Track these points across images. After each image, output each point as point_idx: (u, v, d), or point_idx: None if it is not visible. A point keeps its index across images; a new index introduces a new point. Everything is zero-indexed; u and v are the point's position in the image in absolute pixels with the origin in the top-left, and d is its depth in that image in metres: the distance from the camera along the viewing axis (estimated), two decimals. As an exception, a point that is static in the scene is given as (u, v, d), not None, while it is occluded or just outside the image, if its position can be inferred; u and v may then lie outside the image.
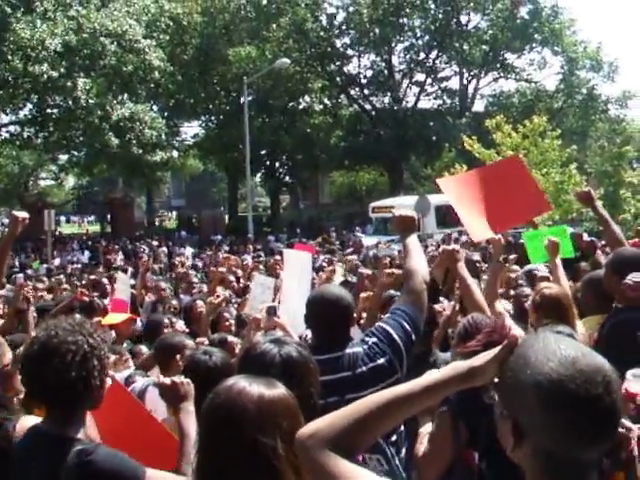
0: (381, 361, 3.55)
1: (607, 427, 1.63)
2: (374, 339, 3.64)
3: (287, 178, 53.25)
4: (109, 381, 2.91)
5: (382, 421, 1.91)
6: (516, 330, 1.94)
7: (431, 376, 1.93)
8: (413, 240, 4.08)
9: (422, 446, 3.56)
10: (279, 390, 2.22)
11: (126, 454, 2.67)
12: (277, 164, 52.26)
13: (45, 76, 29.04)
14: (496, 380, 1.82)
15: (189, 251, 28.64)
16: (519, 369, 1.70)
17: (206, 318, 6.95)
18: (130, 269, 15.26)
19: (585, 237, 12.26)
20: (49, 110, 34.05)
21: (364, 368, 3.53)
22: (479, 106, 50.80)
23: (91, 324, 2.92)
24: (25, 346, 2.90)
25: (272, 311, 5.82)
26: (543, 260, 7.78)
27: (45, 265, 22.71)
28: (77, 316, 3.19)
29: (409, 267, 3.89)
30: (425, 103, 50.91)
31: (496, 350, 1.84)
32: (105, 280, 12.76)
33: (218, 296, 8.36)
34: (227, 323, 7.42)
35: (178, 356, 4.68)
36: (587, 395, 1.59)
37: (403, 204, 29.23)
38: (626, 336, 4.59)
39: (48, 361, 2.67)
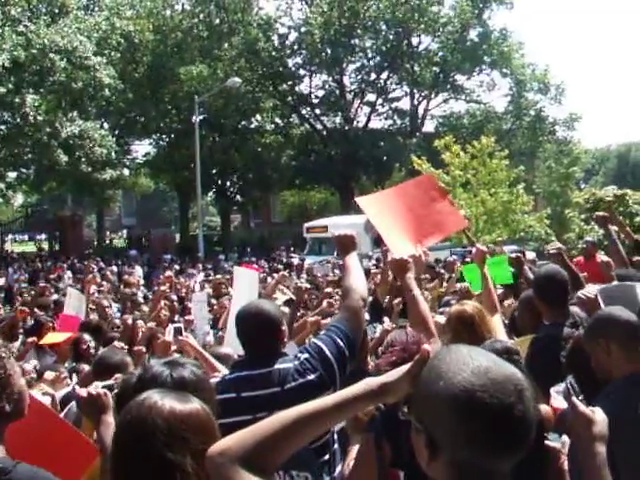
0: (311, 377, 3.56)
1: (520, 436, 1.64)
2: (306, 355, 3.65)
3: (238, 197, 53.07)
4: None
5: (292, 438, 1.91)
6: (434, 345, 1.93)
7: (342, 392, 1.93)
8: (352, 258, 4.15)
9: (349, 466, 3.56)
10: (192, 405, 2.16)
11: (47, 470, 2.59)
12: (228, 183, 52.08)
13: (-8, 92, 28.68)
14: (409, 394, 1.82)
15: (139, 270, 28.40)
16: (431, 381, 1.69)
17: (143, 338, 6.90)
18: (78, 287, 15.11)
19: (529, 256, 12.47)
20: (-3, 127, 33.63)
21: (294, 384, 3.54)
22: (430, 127, 51.38)
23: None
24: None
25: (178, 331, 5.82)
26: (480, 289, 7.87)
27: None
28: None
29: (347, 285, 3.94)
30: (376, 123, 51.42)
31: (408, 365, 1.84)
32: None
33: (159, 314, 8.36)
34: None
35: (117, 374, 4.63)
36: (500, 404, 1.59)
37: (336, 223, 29.45)
38: (546, 352, 4.66)
39: None
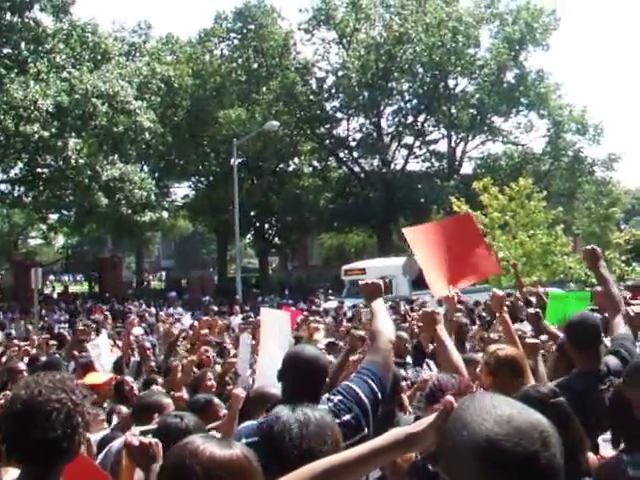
0: (347, 417, 3.57)
1: None
2: (339, 397, 3.67)
3: (276, 239, 53.33)
4: None
5: None
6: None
7: (370, 443, 1.94)
8: (379, 303, 4.34)
9: None
10: (232, 451, 2.14)
11: None
12: (266, 226, 52.41)
13: (36, 136, 29.25)
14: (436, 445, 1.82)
15: (181, 312, 28.38)
16: (456, 432, 1.65)
17: (183, 377, 6.89)
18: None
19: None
20: (39, 169, 34.21)
21: None
22: (467, 168, 51.27)
23: (71, 380, 2.90)
24: (6, 403, 2.85)
25: None
26: (557, 322, 7.72)
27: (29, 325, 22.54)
28: (56, 372, 3.13)
29: (375, 328, 4.07)
30: (414, 165, 51.44)
31: (433, 415, 1.85)
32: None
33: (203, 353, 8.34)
34: (209, 383, 7.36)
35: (156, 415, 4.63)
36: (524, 452, 1.55)
37: (375, 266, 29.44)
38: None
39: (32, 419, 2.63)
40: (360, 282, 4.56)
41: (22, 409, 2.67)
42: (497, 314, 5.74)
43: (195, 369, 8.04)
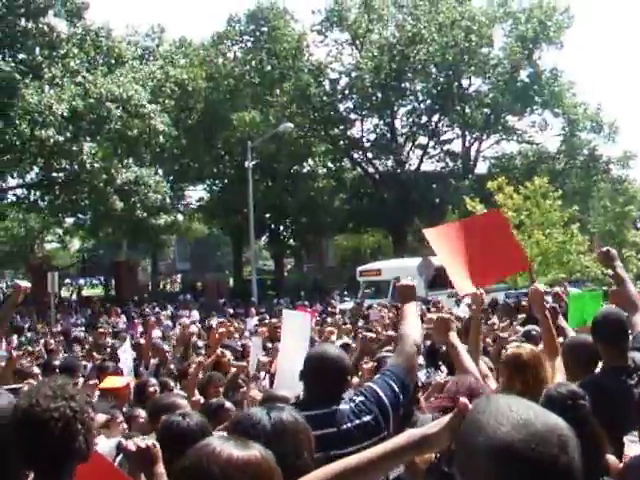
0: (367, 418, 3.59)
1: None
2: (361, 397, 3.69)
3: (291, 241, 53.33)
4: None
5: None
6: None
7: (385, 444, 1.94)
8: (411, 306, 4.35)
9: None
10: (250, 452, 2.08)
11: None
12: (281, 227, 52.40)
13: (51, 141, 29.32)
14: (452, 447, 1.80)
15: (196, 314, 28.46)
16: (472, 435, 1.63)
17: (194, 379, 6.85)
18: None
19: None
20: (55, 174, 34.31)
21: (350, 425, 3.56)
22: (482, 168, 51.05)
23: (73, 385, 2.89)
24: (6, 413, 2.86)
25: None
26: (577, 324, 7.61)
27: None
28: (59, 377, 3.12)
29: (403, 331, 4.10)
30: (428, 166, 51.34)
31: (448, 417, 1.83)
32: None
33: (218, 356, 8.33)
34: (215, 388, 7.25)
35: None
36: (542, 457, 1.52)
37: (390, 267, 29.39)
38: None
39: (31, 429, 2.66)
40: (397, 284, 4.60)
41: (21, 418, 2.70)
42: (539, 315, 5.50)
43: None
